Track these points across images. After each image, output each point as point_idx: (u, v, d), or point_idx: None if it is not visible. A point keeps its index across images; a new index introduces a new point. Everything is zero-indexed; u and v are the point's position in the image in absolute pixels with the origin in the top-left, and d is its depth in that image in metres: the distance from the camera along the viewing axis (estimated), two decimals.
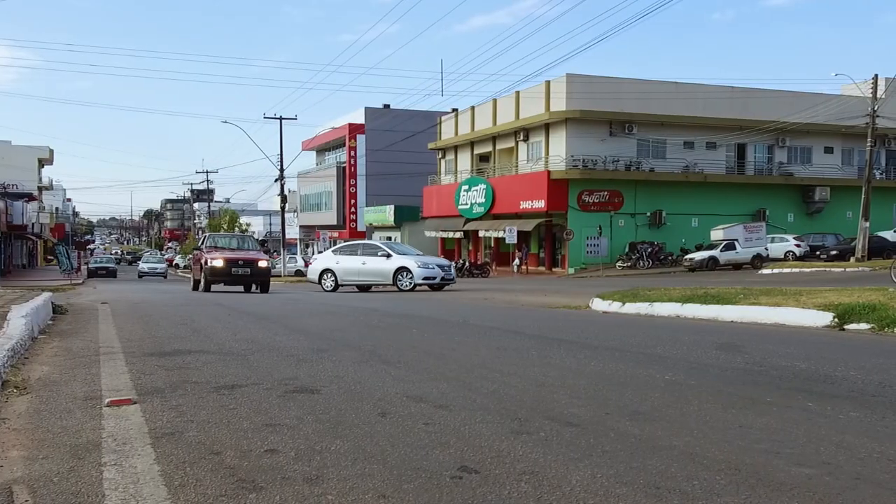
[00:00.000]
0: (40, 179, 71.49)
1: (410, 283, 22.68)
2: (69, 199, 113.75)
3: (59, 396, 5.01)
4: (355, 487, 3.01)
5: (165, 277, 54.38)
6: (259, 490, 2.99)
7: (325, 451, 3.53)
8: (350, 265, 23.79)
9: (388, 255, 23.48)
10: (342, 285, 23.97)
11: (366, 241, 28.53)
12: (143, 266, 58.15)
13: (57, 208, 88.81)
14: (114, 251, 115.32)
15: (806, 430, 3.90)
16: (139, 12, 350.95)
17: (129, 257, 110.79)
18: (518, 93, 44.45)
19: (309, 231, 73.18)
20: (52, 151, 72.34)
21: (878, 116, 34.95)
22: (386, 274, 23.28)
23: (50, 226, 75.24)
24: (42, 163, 71.89)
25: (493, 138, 47.91)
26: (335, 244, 68.27)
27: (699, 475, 3.13)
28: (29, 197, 57.24)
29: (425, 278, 22.88)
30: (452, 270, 24.21)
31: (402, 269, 22.95)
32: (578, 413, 4.32)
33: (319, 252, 61.68)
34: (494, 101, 47.29)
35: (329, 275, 24.00)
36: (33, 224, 60.17)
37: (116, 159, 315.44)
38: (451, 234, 50.26)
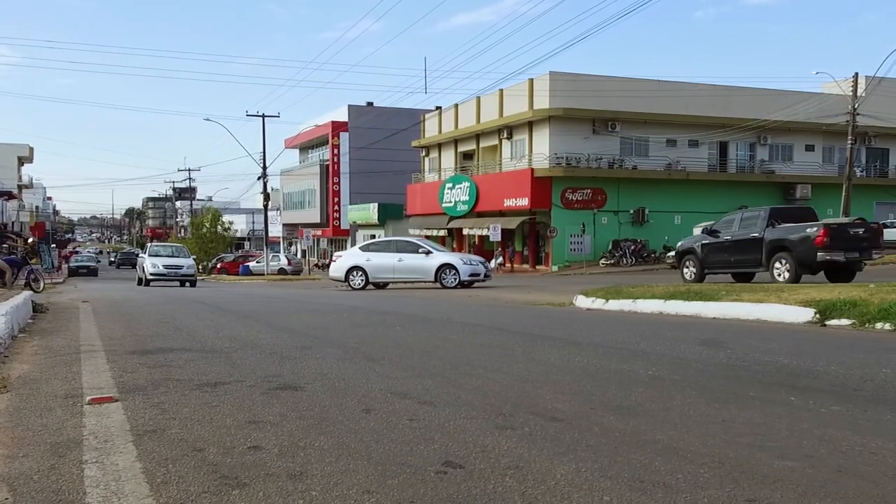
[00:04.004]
0: (20, 178, 70.80)
1: (455, 280, 22.39)
2: (49, 198, 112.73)
3: (40, 394, 4.97)
4: (339, 483, 3.00)
5: (194, 284, 31.16)
6: (242, 487, 2.97)
7: (309, 448, 3.52)
8: (384, 262, 23.30)
9: (429, 252, 23.12)
10: (373, 283, 23.58)
11: (401, 238, 27.49)
12: (153, 264, 30.96)
13: (37, 207, 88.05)
14: (89, 250, 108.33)
15: (789, 423, 3.92)
16: (120, 9, 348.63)
17: (115, 257, 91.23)
18: (502, 91, 44.47)
19: (292, 229, 72.92)
20: (31, 149, 71.71)
21: (858, 114, 35.25)
22: (427, 271, 22.91)
23: (30, 224, 74.58)
24: (22, 161, 71.22)
25: (477, 136, 47.91)
26: (318, 242, 68.31)
27: (683, 468, 3.14)
28: (8, 195, 56.74)
29: (471, 275, 22.72)
30: (489, 267, 24.17)
31: (446, 267, 22.65)
32: (563, 408, 4.32)
33: (303, 249, 61.62)
34: (478, 98, 47.29)
35: (358, 272, 23.42)
36: (13, 223, 59.66)
37: (97, 157, 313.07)
38: (435, 232, 50.22)
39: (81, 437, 3.81)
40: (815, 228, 17.85)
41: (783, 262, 18.06)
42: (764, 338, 7.74)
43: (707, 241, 20.43)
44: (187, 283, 30.65)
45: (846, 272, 17.90)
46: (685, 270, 21.30)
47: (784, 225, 18.65)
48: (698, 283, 18.38)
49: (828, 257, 17.21)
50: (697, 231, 38.32)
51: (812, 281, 16.23)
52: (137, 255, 50.19)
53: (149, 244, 35.43)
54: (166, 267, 31.12)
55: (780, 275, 17.96)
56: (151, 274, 30.70)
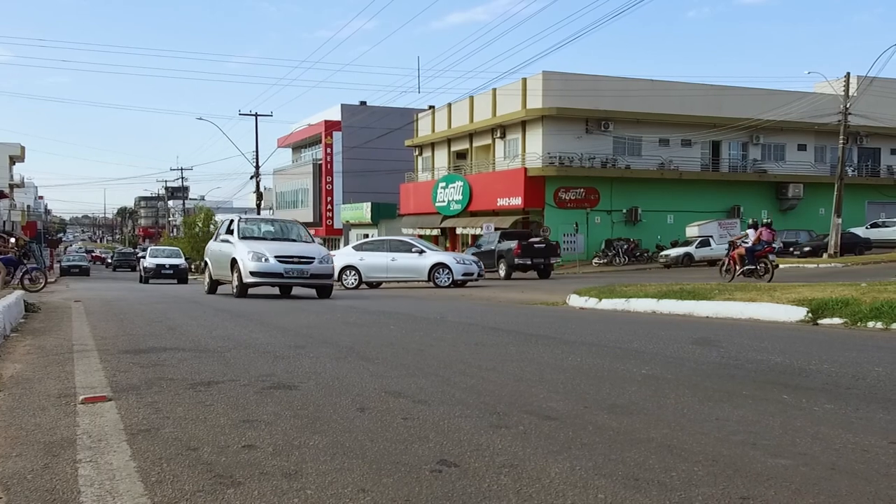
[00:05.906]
0: (11, 177, 70.52)
1: (449, 280, 22.37)
2: (41, 197, 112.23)
3: (33, 394, 4.95)
4: (334, 482, 3.00)
5: (329, 293, 17.17)
6: (237, 485, 2.97)
7: (304, 447, 3.51)
8: (377, 262, 23.24)
9: (422, 252, 23.09)
10: (366, 282, 23.54)
11: (394, 238, 27.36)
12: (256, 254, 16.27)
13: (28, 206, 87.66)
14: (78, 249, 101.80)
15: (782, 422, 3.94)
16: (112, 7, 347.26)
17: (111, 257, 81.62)
18: (495, 90, 44.49)
19: None
20: (23, 149, 71.44)
21: (850, 114, 35.36)
22: (420, 270, 22.89)
23: (21, 224, 74.26)
24: (13, 160, 70.97)
25: (470, 136, 47.92)
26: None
27: (677, 466, 3.15)
28: (0, 195, 56.52)
29: (465, 274, 22.68)
30: (482, 266, 24.19)
31: (440, 266, 22.64)
32: (557, 407, 4.33)
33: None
34: (471, 98, 47.29)
35: (351, 272, 23.31)
36: (4, 222, 59.39)
37: (89, 156, 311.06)
38: (428, 232, 50.22)
39: (75, 436, 3.80)
40: (514, 244, 29.31)
41: (502, 265, 29.62)
42: (756, 336, 7.76)
43: (476, 251, 31.07)
44: (320, 288, 17.28)
45: (544, 271, 29.58)
46: None
47: (505, 241, 30.10)
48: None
49: (521, 261, 28.91)
50: (690, 231, 38.67)
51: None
52: (138, 255, 43.28)
53: (234, 219, 18.93)
54: (282, 260, 16.52)
55: (502, 272, 29.52)
56: (254, 273, 16.35)
